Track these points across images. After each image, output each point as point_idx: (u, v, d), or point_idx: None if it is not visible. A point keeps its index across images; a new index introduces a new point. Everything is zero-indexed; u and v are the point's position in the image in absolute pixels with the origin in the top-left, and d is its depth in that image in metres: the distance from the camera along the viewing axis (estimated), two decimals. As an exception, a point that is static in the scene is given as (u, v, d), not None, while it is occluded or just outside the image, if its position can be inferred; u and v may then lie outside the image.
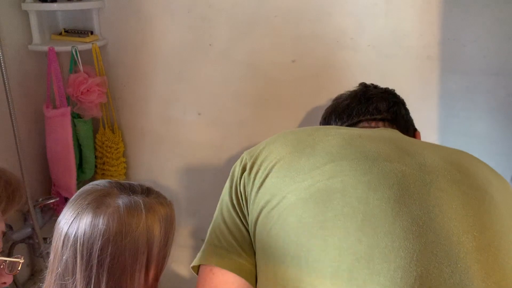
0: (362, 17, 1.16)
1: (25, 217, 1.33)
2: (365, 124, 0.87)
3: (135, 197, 0.69)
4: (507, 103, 1.13)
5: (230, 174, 0.74)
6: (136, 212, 0.67)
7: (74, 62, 1.33)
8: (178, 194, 1.53)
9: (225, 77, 1.34)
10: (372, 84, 0.95)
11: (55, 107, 1.35)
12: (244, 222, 0.70)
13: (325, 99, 1.24)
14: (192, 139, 1.45)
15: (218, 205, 0.75)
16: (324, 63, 1.23)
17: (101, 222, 0.65)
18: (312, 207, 0.60)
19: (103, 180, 0.75)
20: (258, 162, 0.70)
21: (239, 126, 1.38)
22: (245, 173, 0.71)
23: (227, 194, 0.73)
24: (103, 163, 1.50)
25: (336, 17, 1.18)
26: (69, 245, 0.66)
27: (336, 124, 0.90)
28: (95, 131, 1.48)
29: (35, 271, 1.46)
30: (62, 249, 0.67)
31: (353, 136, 0.70)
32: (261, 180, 0.68)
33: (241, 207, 0.70)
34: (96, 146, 1.48)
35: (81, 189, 0.73)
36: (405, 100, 0.94)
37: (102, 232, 0.65)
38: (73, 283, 0.66)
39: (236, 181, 0.72)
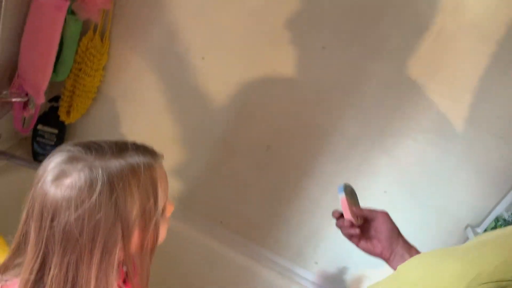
0: None
1: (-20, 105, 1.16)
2: None
3: (99, 163, 0.60)
4: None
5: None
6: (96, 182, 0.59)
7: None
8: (148, 130, 1.44)
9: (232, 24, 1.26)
10: None
11: (51, -5, 1.15)
12: None
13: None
14: (186, 81, 1.35)
15: None
16: None
17: (53, 192, 0.59)
18: None
19: (71, 142, 0.65)
20: None
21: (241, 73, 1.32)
22: None
23: None
24: (80, 70, 1.34)
25: None
26: (27, 210, 0.62)
27: None
28: (82, 33, 1.30)
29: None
30: (25, 217, 0.62)
31: None
32: None
33: None
34: (78, 50, 1.31)
35: (53, 151, 0.64)
36: None
37: (55, 202, 0.59)
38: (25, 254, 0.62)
39: None
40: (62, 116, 1.40)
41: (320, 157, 1.34)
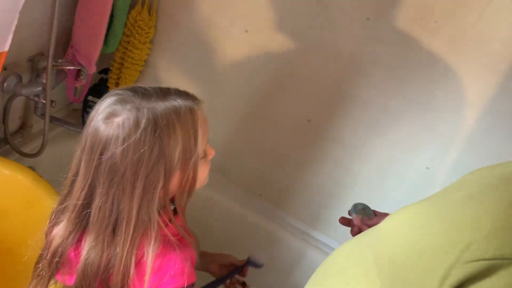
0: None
1: (37, 73, 1.23)
2: None
3: (145, 104, 0.65)
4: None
5: None
6: (141, 120, 0.64)
7: None
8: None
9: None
10: None
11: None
12: None
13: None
14: (229, 54, 1.38)
15: None
16: None
17: (103, 129, 0.65)
18: None
19: (120, 87, 0.70)
20: None
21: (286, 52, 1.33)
22: None
23: None
24: (128, 42, 1.39)
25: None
26: (80, 147, 0.68)
27: None
28: (131, 7, 1.35)
29: (25, 125, 1.39)
30: (79, 152, 0.68)
31: None
32: None
33: None
34: (127, 22, 1.36)
35: (105, 95, 0.69)
36: None
37: (104, 139, 0.64)
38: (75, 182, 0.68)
39: None
40: (112, 87, 1.46)
41: (361, 130, 1.34)
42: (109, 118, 0.65)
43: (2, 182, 0.97)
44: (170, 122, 0.65)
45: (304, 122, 1.39)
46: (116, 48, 1.39)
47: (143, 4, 1.35)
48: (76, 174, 0.68)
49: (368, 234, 0.60)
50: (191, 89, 1.47)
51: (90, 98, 1.50)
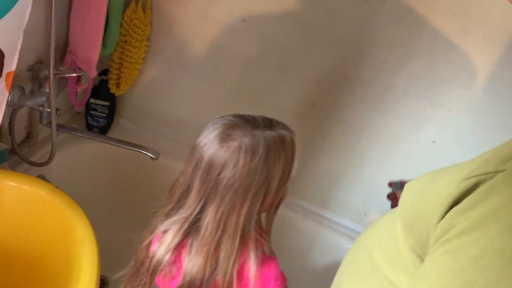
0: None
1: (40, 83, 1.22)
2: None
3: (258, 132, 0.74)
4: None
5: None
6: (258, 147, 0.72)
7: None
8: (193, 95, 1.48)
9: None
10: None
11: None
12: None
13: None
14: (228, 45, 1.38)
15: None
16: None
17: (222, 152, 0.73)
18: None
19: (228, 114, 0.78)
20: None
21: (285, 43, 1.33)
22: None
23: None
24: (125, 42, 1.38)
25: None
26: (191, 166, 0.76)
27: None
28: (125, 6, 1.33)
29: (31, 134, 1.38)
30: (192, 171, 0.75)
31: None
32: None
33: None
34: (123, 22, 1.35)
35: (215, 119, 0.78)
36: None
37: (224, 160, 0.72)
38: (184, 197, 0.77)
39: None
40: (112, 89, 1.46)
41: (366, 110, 1.35)
42: (226, 141, 0.72)
43: (23, 197, 0.98)
44: (278, 150, 0.74)
45: (309, 106, 1.39)
46: (114, 48, 1.37)
47: (137, 2, 1.33)
48: (187, 191, 0.76)
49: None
50: (191, 83, 1.47)
51: (92, 100, 1.49)
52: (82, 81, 1.36)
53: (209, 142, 0.74)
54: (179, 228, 0.76)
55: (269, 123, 0.77)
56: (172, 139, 1.55)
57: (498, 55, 1.17)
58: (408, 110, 1.31)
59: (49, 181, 1.10)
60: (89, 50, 1.26)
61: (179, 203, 0.77)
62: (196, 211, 0.74)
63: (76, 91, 1.42)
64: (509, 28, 1.13)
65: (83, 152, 1.47)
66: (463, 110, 1.26)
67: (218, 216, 0.73)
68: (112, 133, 1.56)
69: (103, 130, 1.54)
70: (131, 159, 1.42)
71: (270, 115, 1.42)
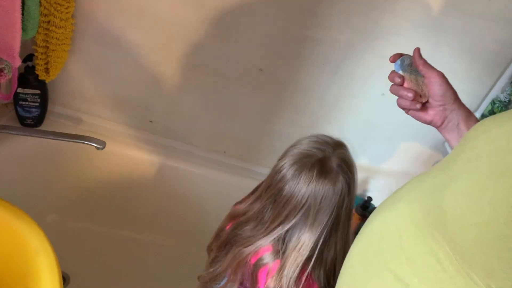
0: None
1: (-44, 79, 1.08)
2: None
3: (337, 155, 0.85)
4: None
5: None
6: (341, 184, 0.83)
7: None
8: (132, 71, 1.39)
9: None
10: None
11: None
12: None
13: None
14: (162, 13, 1.28)
15: None
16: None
17: (313, 186, 0.82)
18: None
19: (306, 137, 0.89)
20: None
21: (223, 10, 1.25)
22: None
23: None
24: (48, 23, 1.24)
25: None
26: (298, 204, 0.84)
27: None
28: (42, -18, 1.19)
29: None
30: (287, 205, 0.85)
31: None
32: None
33: None
34: (42, 1, 1.21)
35: (298, 149, 0.88)
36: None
37: (328, 193, 0.82)
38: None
39: None
40: (41, 75, 1.33)
41: (314, 70, 1.32)
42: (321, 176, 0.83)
43: None
44: (354, 177, 0.86)
45: (256, 71, 1.35)
46: (36, 31, 1.24)
47: (54, -23, 1.19)
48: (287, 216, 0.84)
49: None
50: (126, 59, 1.37)
51: (20, 90, 1.36)
52: (5, 71, 1.22)
53: (288, 175, 0.87)
54: (274, 242, 0.87)
55: (338, 143, 0.88)
56: (112, 121, 1.46)
57: (439, 2, 1.17)
58: (355, 65, 1.30)
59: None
60: (8, 36, 1.12)
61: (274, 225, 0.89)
62: (317, 248, 0.85)
63: (0, 83, 1.28)
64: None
65: (19, 151, 1.35)
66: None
67: (332, 248, 0.87)
68: (48, 122, 1.44)
69: (38, 120, 1.42)
70: (75, 151, 1.33)
71: (217, 83, 1.38)
